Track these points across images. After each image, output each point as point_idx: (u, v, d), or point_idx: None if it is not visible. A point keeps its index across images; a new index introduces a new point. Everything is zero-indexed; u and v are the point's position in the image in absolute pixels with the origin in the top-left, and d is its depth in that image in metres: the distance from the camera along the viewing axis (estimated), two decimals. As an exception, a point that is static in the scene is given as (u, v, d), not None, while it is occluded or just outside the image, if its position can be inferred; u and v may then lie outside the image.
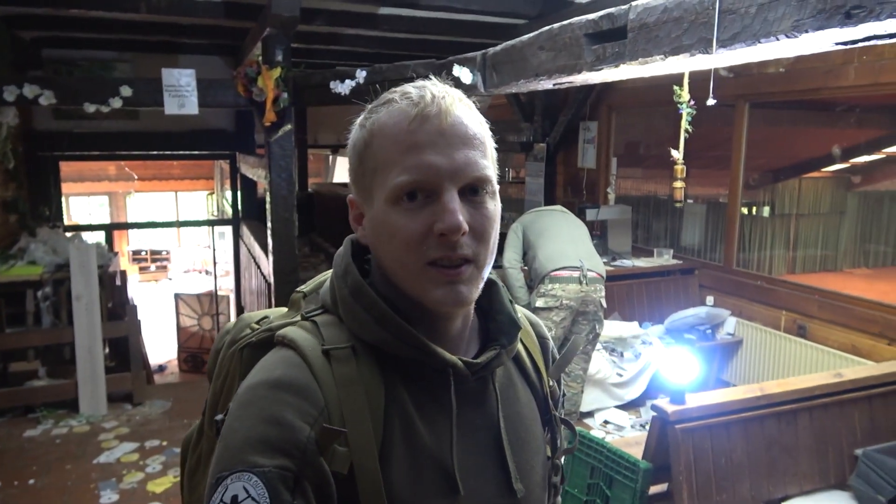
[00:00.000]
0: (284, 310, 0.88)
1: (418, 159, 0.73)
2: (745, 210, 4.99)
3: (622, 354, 4.41)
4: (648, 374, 4.31)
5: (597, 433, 4.05)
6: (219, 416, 0.75)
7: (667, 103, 3.57)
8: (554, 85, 2.87)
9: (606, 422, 4.22)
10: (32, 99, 4.08)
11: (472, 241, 0.74)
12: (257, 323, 0.89)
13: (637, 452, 2.58)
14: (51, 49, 6.29)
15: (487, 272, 0.79)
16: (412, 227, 0.73)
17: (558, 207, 4.12)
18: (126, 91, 4.23)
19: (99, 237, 7.10)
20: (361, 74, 4.08)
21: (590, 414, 4.27)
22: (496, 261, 3.85)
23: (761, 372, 4.40)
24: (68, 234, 5.42)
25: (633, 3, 2.13)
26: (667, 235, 5.62)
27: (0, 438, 4.16)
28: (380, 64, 4.09)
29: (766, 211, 5.16)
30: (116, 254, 6.21)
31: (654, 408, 2.50)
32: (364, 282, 0.78)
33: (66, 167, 7.51)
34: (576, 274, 3.59)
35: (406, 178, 0.73)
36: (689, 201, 5.38)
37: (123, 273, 5.36)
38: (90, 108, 4.21)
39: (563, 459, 0.95)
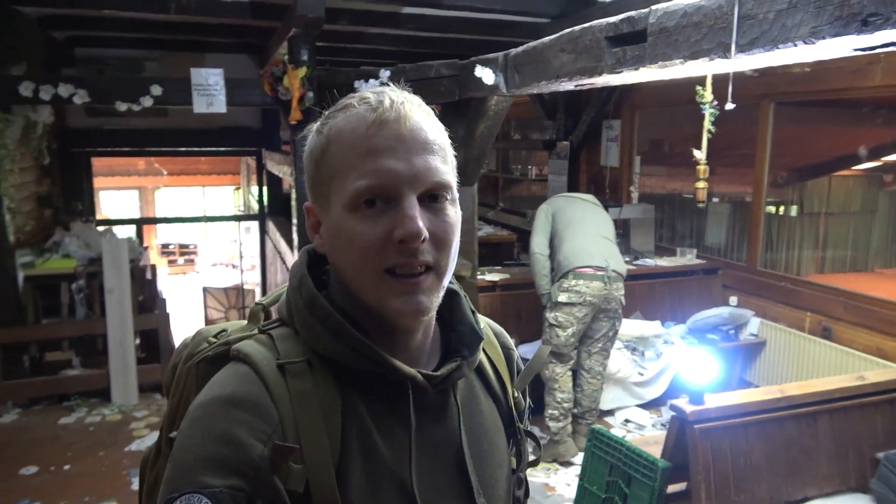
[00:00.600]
0: (244, 323, 0.86)
1: (376, 164, 0.71)
2: (771, 209, 4.95)
3: (643, 353, 4.41)
4: (670, 373, 4.31)
5: (617, 432, 4.07)
6: (173, 434, 0.72)
7: (690, 102, 3.57)
8: (575, 86, 2.89)
9: (627, 420, 4.23)
10: (67, 98, 4.20)
11: (432, 248, 0.72)
12: (215, 336, 0.85)
13: (656, 451, 2.60)
14: (82, 48, 6.45)
15: (447, 280, 0.77)
16: (370, 233, 0.71)
17: (589, 197, 4.10)
18: (156, 90, 4.33)
19: (129, 231, 7.27)
20: (385, 74, 4.13)
21: (610, 412, 4.29)
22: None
23: (785, 374, 4.37)
24: (100, 229, 5.57)
25: (654, 8, 2.14)
26: (691, 235, 5.59)
27: (36, 425, 4.30)
28: (403, 64, 4.14)
29: (793, 210, 5.11)
30: (147, 248, 6.36)
31: (672, 407, 2.52)
32: (318, 293, 0.76)
33: (97, 162, 7.69)
34: (600, 273, 3.60)
35: (364, 182, 0.71)
36: (714, 200, 5.36)
37: (153, 267, 5.49)
38: (122, 106, 4.33)
39: (526, 472, 0.93)
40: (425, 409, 0.78)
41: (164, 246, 14.83)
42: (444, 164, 0.75)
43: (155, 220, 9.57)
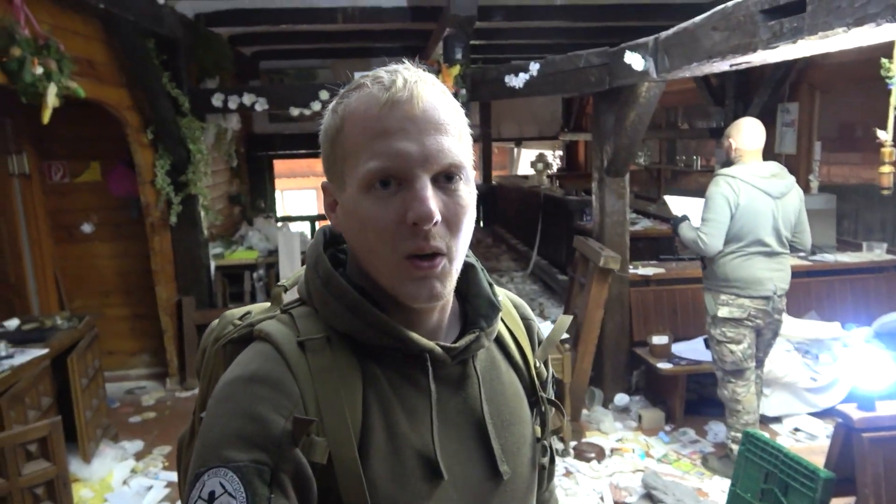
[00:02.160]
0: (267, 305, 0.87)
1: (388, 146, 0.70)
2: None
3: (817, 357, 4.01)
4: (848, 380, 3.89)
5: (785, 441, 3.76)
6: (202, 414, 0.74)
7: (882, 78, 3.17)
8: (730, 66, 2.72)
9: (797, 429, 3.88)
10: (250, 106, 4.69)
11: (444, 231, 0.72)
12: (239, 319, 0.87)
13: (819, 461, 2.38)
14: (266, 61, 7.15)
15: (461, 264, 0.77)
16: (384, 215, 0.71)
17: (777, 189, 3.27)
18: (324, 95, 4.70)
19: (304, 227, 7.94)
20: (535, 67, 4.14)
21: (777, 419, 3.96)
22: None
23: None
24: (279, 224, 6.15)
25: (814, -27, 1.96)
26: (882, 228, 4.97)
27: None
28: (552, 56, 4.12)
29: None
30: (318, 242, 6.91)
31: (838, 413, 2.29)
32: (334, 271, 0.77)
33: (280, 166, 8.48)
34: (767, 296, 3.28)
35: (376, 164, 0.71)
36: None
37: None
38: (294, 111, 4.75)
39: (550, 440, 0.92)
40: (445, 380, 0.79)
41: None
42: (458, 144, 0.74)
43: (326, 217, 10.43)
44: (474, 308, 0.84)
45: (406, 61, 0.77)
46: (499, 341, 0.88)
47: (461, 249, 0.76)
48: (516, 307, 0.95)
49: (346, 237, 0.78)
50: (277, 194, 8.49)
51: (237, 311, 0.91)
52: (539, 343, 0.95)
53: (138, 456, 3.88)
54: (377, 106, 0.71)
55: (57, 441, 2.70)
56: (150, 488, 3.51)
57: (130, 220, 4.89)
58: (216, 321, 0.93)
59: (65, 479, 2.76)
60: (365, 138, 0.72)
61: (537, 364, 0.92)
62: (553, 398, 0.94)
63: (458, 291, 0.84)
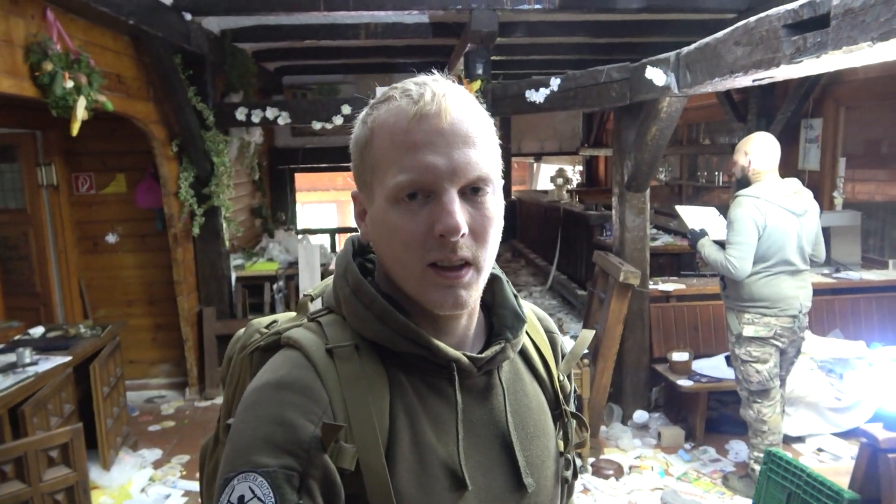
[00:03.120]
0: (293, 314, 0.88)
1: (416, 159, 0.71)
2: None
3: (842, 377, 3.94)
4: (873, 400, 3.81)
5: (808, 461, 3.69)
6: (230, 421, 0.74)
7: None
8: (753, 81, 2.71)
9: (820, 449, 3.81)
10: (272, 120, 4.76)
11: (471, 242, 0.73)
12: (266, 327, 0.88)
13: (844, 482, 2.33)
14: (290, 76, 7.26)
15: (487, 274, 0.78)
16: (412, 227, 0.72)
17: (800, 207, 3.23)
18: (346, 109, 4.75)
19: (324, 239, 7.99)
20: (555, 83, 4.16)
21: (800, 439, 3.89)
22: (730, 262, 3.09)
23: None
24: (299, 237, 6.20)
25: (838, -12, 1.96)
26: (909, 246, 4.89)
27: (242, 409, 4.90)
28: (573, 71, 4.13)
29: None
30: (337, 253, 6.95)
31: (863, 433, 2.25)
32: (363, 279, 0.78)
33: (302, 180, 8.57)
34: (794, 315, 3.24)
35: (404, 177, 0.72)
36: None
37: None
38: (317, 125, 4.80)
39: (574, 454, 0.92)
40: (471, 390, 0.79)
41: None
42: (486, 157, 0.74)
43: (347, 230, 10.45)
44: (500, 319, 0.84)
45: (436, 72, 0.78)
46: (523, 353, 0.89)
47: (489, 259, 0.76)
48: (540, 320, 0.96)
49: (375, 246, 0.79)
50: (298, 207, 8.57)
51: (264, 320, 0.91)
52: (563, 357, 0.95)
53: (157, 464, 3.91)
54: (406, 119, 0.72)
55: (78, 448, 2.73)
56: (167, 497, 3.53)
57: (154, 231, 4.97)
58: (242, 329, 0.93)
59: (85, 485, 2.79)
60: (393, 151, 0.73)
61: (561, 377, 0.92)
62: (574, 412, 0.94)
63: (484, 303, 0.86)
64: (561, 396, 0.90)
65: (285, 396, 0.70)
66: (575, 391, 0.95)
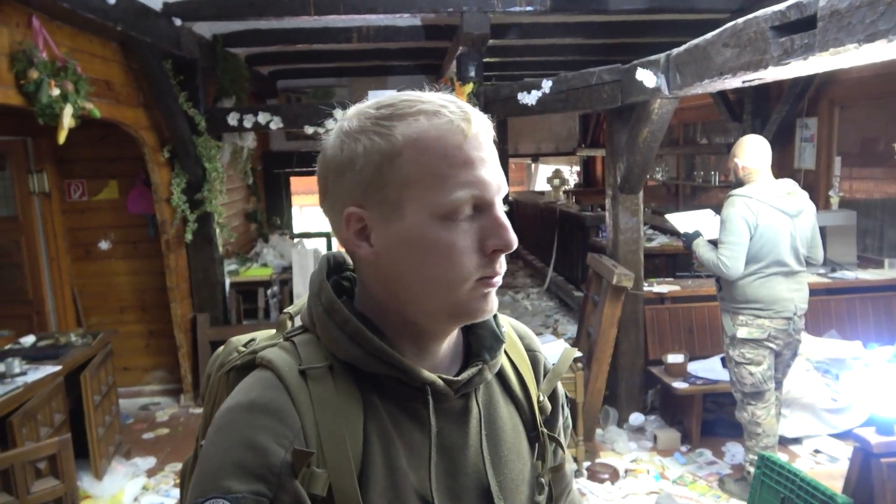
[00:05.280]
0: (272, 332, 0.86)
1: (475, 175, 0.71)
2: None
3: (838, 377, 3.92)
4: (870, 401, 3.78)
5: (804, 462, 3.67)
6: (203, 441, 0.73)
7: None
8: (742, 83, 2.69)
9: (817, 451, 3.79)
10: (265, 125, 4.74)
11: None
12: (244, 346, 0.87)
13: (838, 486, 2.32)
14: (284, 80, 7.24)
15: None
16: (464, 243, 0.71)
17: (794, 207, 3.20)
18: (339, 114, 4.70)
19: (320, 244, 7.96)
20: (547, 85, 4.14)
21: (797, 440, 3.87)
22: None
23: None
24: (294, 241, 6.18)
25: (825, -11, 1.94)
26: (906, 244, 4.87)
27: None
28: (565, 73, 4.11)
29: None
30: (333, 259, 6.93)
31: (856, 437, 2.23)
32: (336, 299, 0.76)
33: (298, 184, 8.53)
34: (788, 317, 3.21)
35: (466, 193, 0.71)
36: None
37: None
38: (309, 129, 4.78)
39: (550, 477, 0.89)
40: (446, 413, 0.78)
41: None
42: None
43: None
44: (478, 340, 0.83)
45: (426, 86, 0.80)
46: (500, 374, 0.87)
47: None
48: (522, 338, 0.93)
49: (391, 266, 0.75)
50: (295, 210, 8.55)
51: (243, 338, 0.90)
52: (545, 375, 0.93)
53: (150, 473, 3.89)
54: (459, 136, 0.72)
55: (66, 459, 2.71)
56: (160, 506, 3.51)
57: (147, 237, 4.95)
58: (222, 347, 0.92)
59: (74, 497, 2.77)
60: (445, 167, 0.71)
61: (541, 398, 0.89)
62: (565, 427, 0.93)
63: None
64: (539, 418, 0.88)
65: (257, 419, 0.69)
66: (567, 396, 0.93)
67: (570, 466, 0.97)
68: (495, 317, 0.84)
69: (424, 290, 0.74)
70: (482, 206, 0.73)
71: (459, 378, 0.77)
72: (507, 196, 0.77)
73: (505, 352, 0.86)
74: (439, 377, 0.76)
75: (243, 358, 0.82)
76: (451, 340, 0.81)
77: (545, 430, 0.88)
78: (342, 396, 0.73)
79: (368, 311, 0.77)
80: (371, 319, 0.76)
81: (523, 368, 0.89)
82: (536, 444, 0.88)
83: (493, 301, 0.75)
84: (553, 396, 0.92)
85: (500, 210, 0.74)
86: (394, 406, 0.75)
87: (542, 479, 0.87)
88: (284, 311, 0.87)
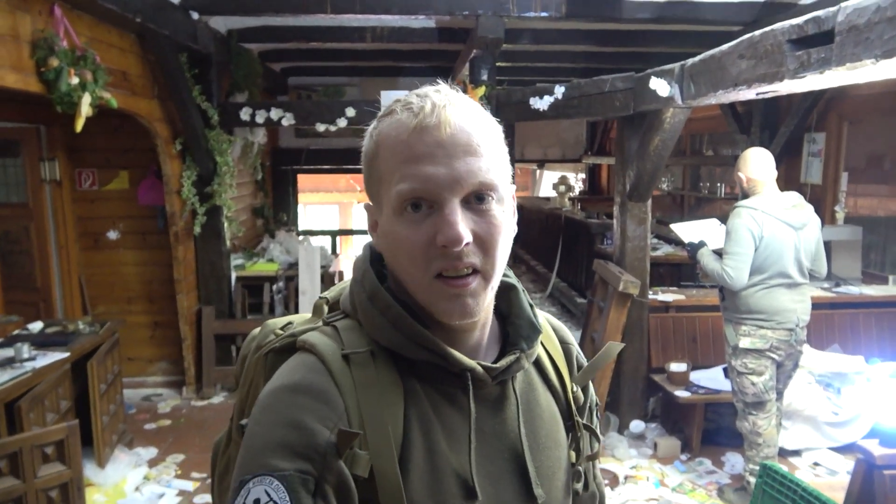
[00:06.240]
0: (308, 316, 0.88)
1: (416, 170, 0.72)
2: None
3: (839, 391, 3.93)
4: (871, 415, 3.80)
5: (804, 474, 3.68)
6: (244, 421, 0.75)
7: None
8: (757, 95, 2.71)
9: (816, 464, 3.80)
10: (277, 121, 4.77)
11: (477, 250, 0.73)
12: (281, 329, 0.88)
13: (839, 497, 2.33)
14: (295, 77, 7.27)
15: (497, 283, 0.78)
16: (415, 238, 0.73)
17: (799, 220, 3.23)
18: (350, 112, 4.76)
19: (326, 241, 7.99)
20: (560, 90, 4.16)
21: (796, 453, 3.88)
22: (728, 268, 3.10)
23: None
24: (300, 238, 6.21)
25: (843, 5, 1.96)
26: (911, 261, 4.89)
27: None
28: (578, 79, 4.14)
29: None
30: (337, 255, 6.96)
31: (859, 449, 2.24)
32: (380, 286, 0.79)
33: (305, 181, 8.58)
34: (791, 328, 3.23)
35: (405, 187, 0.72)
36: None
37: (342, 273, 5.99)
38: (321, 127, 4.82)
39: (585, 465, 0.91)
40: (484, 400, 0.79)
41: (358, 257, 16.07)
42: (490, 165, 0.74)
43: (348, 232, 10.47)
44: (515, 329, 0.84)
45: (440, 82, 0.79)
46: (537, 364, 0.88)
47: (497, 267, 0.76)
48: (556, 331, 0.95)
49: (385, 256, 0.80)
50: (300, 208, 8.57)
51: (279, 321, 0.92)
52: (579, 368, 0.94)
53: (152, 463, 3.90)
54: (406, 132, 0.73)
55: (74, 445, 2.73)
56: (161, 496, 3.53)
57: (155, 229, 4.97)
58: (257, 329, 0.94)
59: (79, 483, 2.79)
60: (396, 163, 0.74)
61: (574, 388, 0.91)
62: (595, 423, 0.94)
63: (499, 312, 0.86)
64: (574, 408, 0.90)
65: (301, 400, 0.71)
66: (596, 403, 0.94)
67: (600, 478, 0.99)
68: (532, 308, 0.85)
69: (406, 283, 0.77)
70: (430, 202, 0.73)
71: (497, 365, 0.78)
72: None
73: (541, 343, 0.88)
74: (478, 363, 0.77)
75: (282, 340, 0.83)
76: (483, 329, 0.81)
77: (580, 420, 0.90)
78: (384, 381, 0.74)
79: (405, 298, 0.79)
80: (410, 306, 0.78)
81: (558, 359, 0.91)
82: (571, 434, 0.89)
83: (465, 306, 0.74)
84: (584, 392, 0.94)
85: (451, 206, 0.72)
86: (434, 391, 0.77)
87: (580, 467, 0.89)
88: (321, 295, 0.89)
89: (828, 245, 4.76)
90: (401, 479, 0.71)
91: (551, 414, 0.87)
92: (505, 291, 0.84)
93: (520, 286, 0.87)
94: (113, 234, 5.01)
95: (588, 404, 0.94)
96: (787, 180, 5.88)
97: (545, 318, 0.94)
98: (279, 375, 0.76)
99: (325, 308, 0.86)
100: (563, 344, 0.94)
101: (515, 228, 0.80)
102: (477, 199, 0.74)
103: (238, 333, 5.07)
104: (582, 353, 0.97)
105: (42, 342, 3.50)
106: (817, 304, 3.65)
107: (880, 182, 5.37)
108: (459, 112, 0.74)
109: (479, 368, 0.77)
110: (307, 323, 0.85)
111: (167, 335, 5.07)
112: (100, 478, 3.56)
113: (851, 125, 5.33)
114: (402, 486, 0.70)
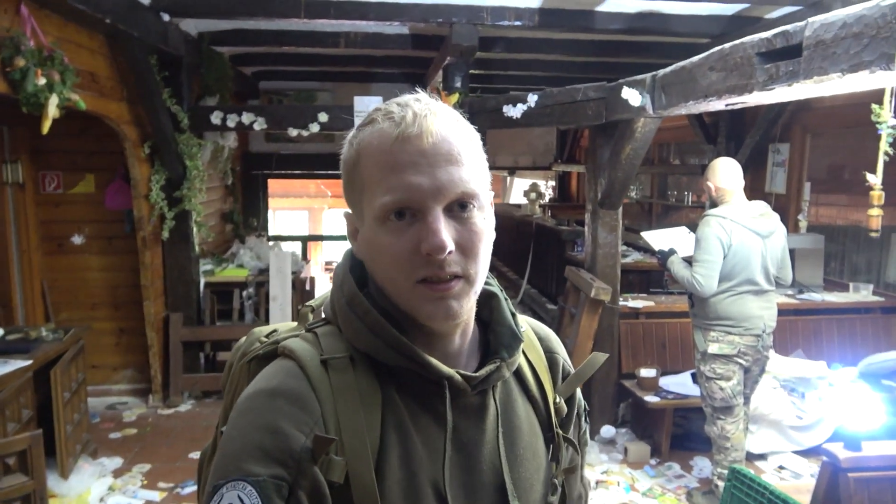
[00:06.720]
0: (294, 324, 0.89)
1: (400, 180, 0.72)
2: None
3: (803, 396, 4.03)
4: (834, 419, 3.90)
5: (769, 478, 3.75)
6: (223, 428, 0.75)
7: (871, 123, 3.25)
8: (726, 105, 2.78)
9: (781, 467, 3.88)
10: (248, 125, 4.72)
11: (460, 257, 0.74)
12: (266, 336, 0.89)
13: (805, 500, 2.38)
14: (267, 81, 7.21)
15: (480, 287, 0.78)
16: (399, 246, 0.73)
17: (766, 228, 3.32)
18: (323, 117, 4.74)
19: (296, 247, 7.92)
20: (533, 99, 4.20)
21: (762, 457, 3.96)
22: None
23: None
24: (270, 243, 6.14)
25: (810, 20, 2.02)
26: (868, 269, 5.04)
27: (208, 415, 4.78)
28: (550, 88, 4.18)
29: None
30: (308, 261, 6.90)
31: (824, 452, 2.30)
32: (359, 292, 0.79)
33: (275, 186, 8.49)
34: (758, 334, 3.31)
35: (389, 198, 0.73)
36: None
37: (313, 279, 5.95)
38: (293, 132, 4.78)
39: (562, 478, 0.90)
40: (463, 409, 0.79)
41: (328, 263, 15.95)
42: (471, 173, 0.75)
43: (318, 238, 10.41)
44: (497, 337, 0.84)
45: (419, 90, 0.80)
46: (517, 373, 0.87)
47: (480, 273, 0.77)
48: (542, 340, 0.94)
49: (367, 263, 0.80)
50: (270, 213, 8.49)
51: (265, 329, 0.92)
52: (566, 377, 0.93)
53: (117, 473, 3.81)
54: (389, 141, 0.74)
55: (36, 455, 2.66)
56: (128, 507, 3.45)
57: (122, 233, 4.87)
58: (244, 338, 0.94)
59: (42, 494, 2.71)
60: (378, 172, 0.74)
61: (557, 400, 0.90)
62: (584, 429, 0.94)
63: (481, 320, 0.85)
64: (555, 419, 0.89)
65: (278, 405, 0.71)
66: (586, 409, 0.93)
67: (587, 479, 0.98)
68: (514, 317, 0.85)
69: (388, 289, 0.77)
70: (414, 210, 0.73)
71: (477, 374, 0.78)
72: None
73: (523, 351, 0.87)
74: (457, 372, 0.77)
75: (265, 348, 0.84)
76: (463, 337, 0.81)
77: (560, 432, 0.89)
78: (362, 387, 0.74)
79: (385, 304, 0.79)
80: (389, 312, 0.78)
81: (541, 369, 0.90)
82: (551, 445, 0.88)
83: (449, 308, 0.74)
84: (570, 401, 0.93)
85: (434, 214, 0.72)
86: (411, 399, 0.77)
87: (556, 480, 0.88)
88: (306, 303, 0.89)
89: (792, 253, 4.86)
90: (376, 485, 0.71)
91: (530, 425, 0.86)
92: (487, 299, 0.85)
93: (502, 295, 0.87)
94: (78, 239, 4.89)
95: (574, 413, 0.93)
96: (753, 190, 6.02)
97: (530, 327, 0.94)
98: (258, 380, 0.77)
99: (311, 316, 0.86)
100: (549, 353, 0.93)
101: (494, 234, 0.81)
102: (459, 207, 0.75)
103: (207, 340, 4.99)
104: (570, 362, 0.96)
105: (3, 349, 3.40)
106: (782, 311, 3.73)
107: (841, 192, 5.53)
108: (441, 121, 0.74)
109: (458, 377, 0.77)
110: (292, 330, 0.85)
111: (133, 342, 4.96)
112: (63, 489, 3.46)
113: (814, 137, 5.49)
114: (377, 493, 0.70)
